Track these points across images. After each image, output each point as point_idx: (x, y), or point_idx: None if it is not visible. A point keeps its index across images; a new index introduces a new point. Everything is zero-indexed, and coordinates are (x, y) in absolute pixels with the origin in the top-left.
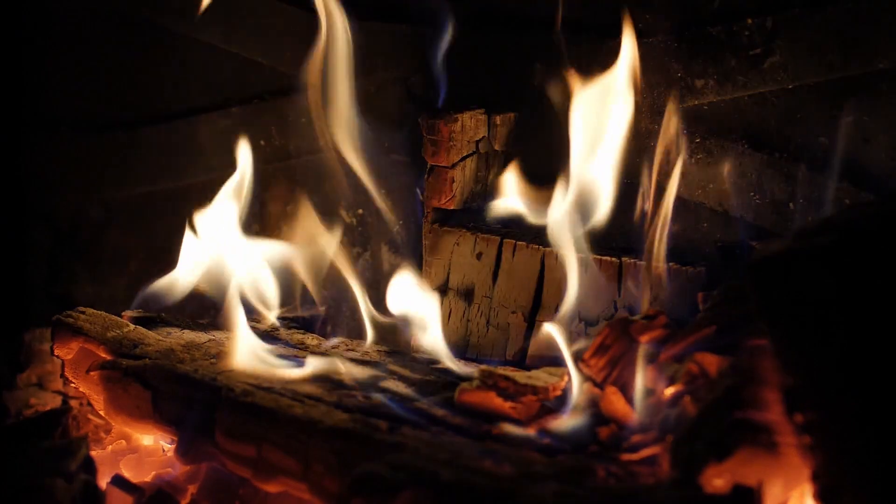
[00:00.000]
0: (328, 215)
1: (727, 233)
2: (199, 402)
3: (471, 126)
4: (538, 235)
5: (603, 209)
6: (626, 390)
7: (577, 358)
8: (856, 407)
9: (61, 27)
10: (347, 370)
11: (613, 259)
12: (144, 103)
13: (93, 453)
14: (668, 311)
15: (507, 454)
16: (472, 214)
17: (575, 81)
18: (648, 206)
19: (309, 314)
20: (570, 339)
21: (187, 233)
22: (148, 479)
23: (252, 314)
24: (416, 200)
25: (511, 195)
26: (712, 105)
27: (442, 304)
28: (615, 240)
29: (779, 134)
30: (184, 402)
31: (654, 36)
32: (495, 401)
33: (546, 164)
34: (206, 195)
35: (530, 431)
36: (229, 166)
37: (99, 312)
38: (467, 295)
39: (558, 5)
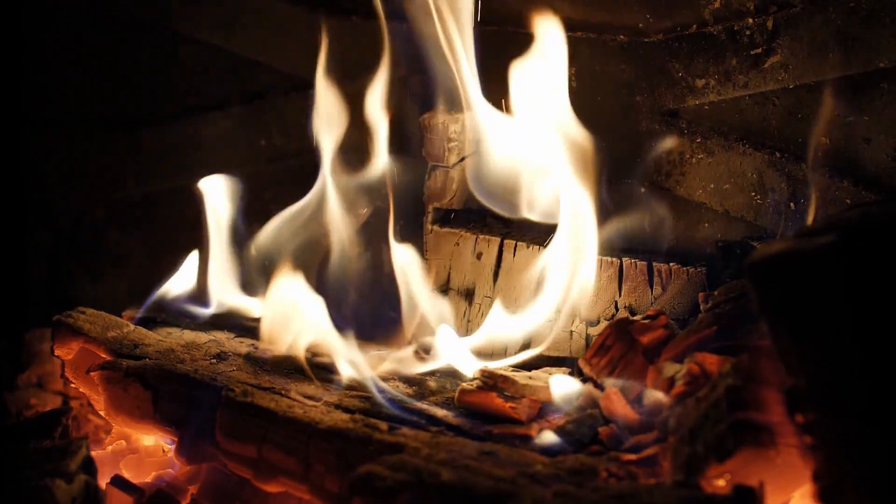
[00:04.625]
0: None
1: (728, 233)
2: (199, 402)
3: (471, 126)
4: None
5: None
6: (626, 390)
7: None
8: (857, 407)
9: (61, 27)
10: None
11: (613, 259)
12: (144, 103)
13: (93, 453)
14: (669, 311)
15: (508, 454)
16: (472, 214)
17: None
18: None
19: None
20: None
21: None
22: (148, 479)
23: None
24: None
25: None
26: (713, 105)
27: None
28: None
29: (779, 134)
30: (184, 402)
31: (654, 35)
32: (496, 401)
33: None
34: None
35: (531, 432)
36: (229, 166)
37: (99, 312)
38: (468, 295)
39: None
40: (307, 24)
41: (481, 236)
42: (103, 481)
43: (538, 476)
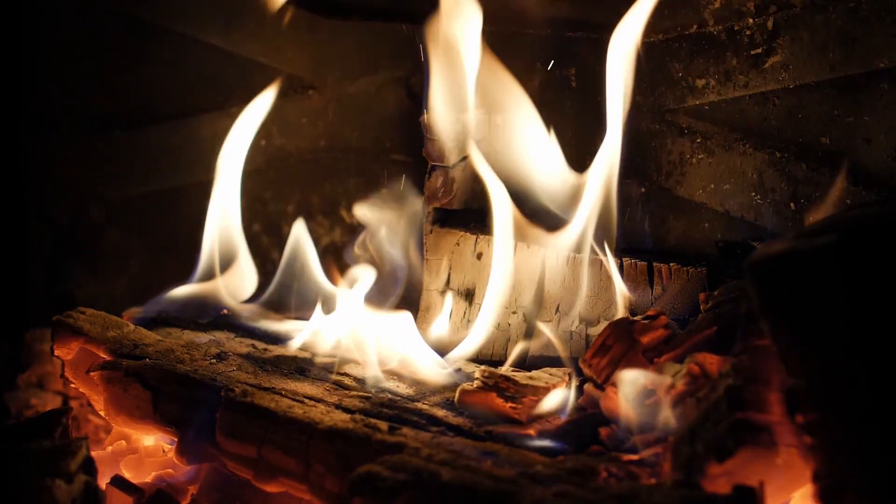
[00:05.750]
0: (328, 215)
1: (728, 233)
2: (199, 402)
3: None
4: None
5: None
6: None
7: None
8: (857, 407)
9: (61, 27)
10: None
11: (615, 259)
12: (144, 103)
13: (93, 453)
14: (669, 311)
15: (508, 454)
16: (472, 214)
17: None
18: None
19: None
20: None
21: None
22: (148, 479)
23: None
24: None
25: None
26: (713, 105)
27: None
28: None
29: (779, 134)
30: (184, 402)
31: (654, 35)
32: (496, 401)
33: None
34: (206, 195)
35: (531, 432)
36: None
37: (99, 312)
38: (468, 295)
39: None
40: (307, 24)
41: (481, 236)
42: (103, 481)
43: (538, 476)
